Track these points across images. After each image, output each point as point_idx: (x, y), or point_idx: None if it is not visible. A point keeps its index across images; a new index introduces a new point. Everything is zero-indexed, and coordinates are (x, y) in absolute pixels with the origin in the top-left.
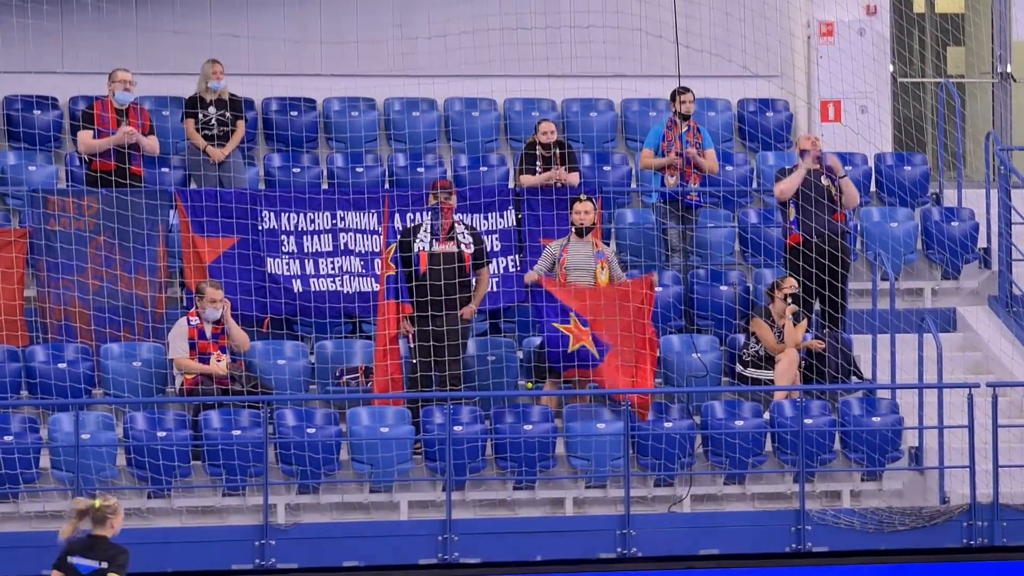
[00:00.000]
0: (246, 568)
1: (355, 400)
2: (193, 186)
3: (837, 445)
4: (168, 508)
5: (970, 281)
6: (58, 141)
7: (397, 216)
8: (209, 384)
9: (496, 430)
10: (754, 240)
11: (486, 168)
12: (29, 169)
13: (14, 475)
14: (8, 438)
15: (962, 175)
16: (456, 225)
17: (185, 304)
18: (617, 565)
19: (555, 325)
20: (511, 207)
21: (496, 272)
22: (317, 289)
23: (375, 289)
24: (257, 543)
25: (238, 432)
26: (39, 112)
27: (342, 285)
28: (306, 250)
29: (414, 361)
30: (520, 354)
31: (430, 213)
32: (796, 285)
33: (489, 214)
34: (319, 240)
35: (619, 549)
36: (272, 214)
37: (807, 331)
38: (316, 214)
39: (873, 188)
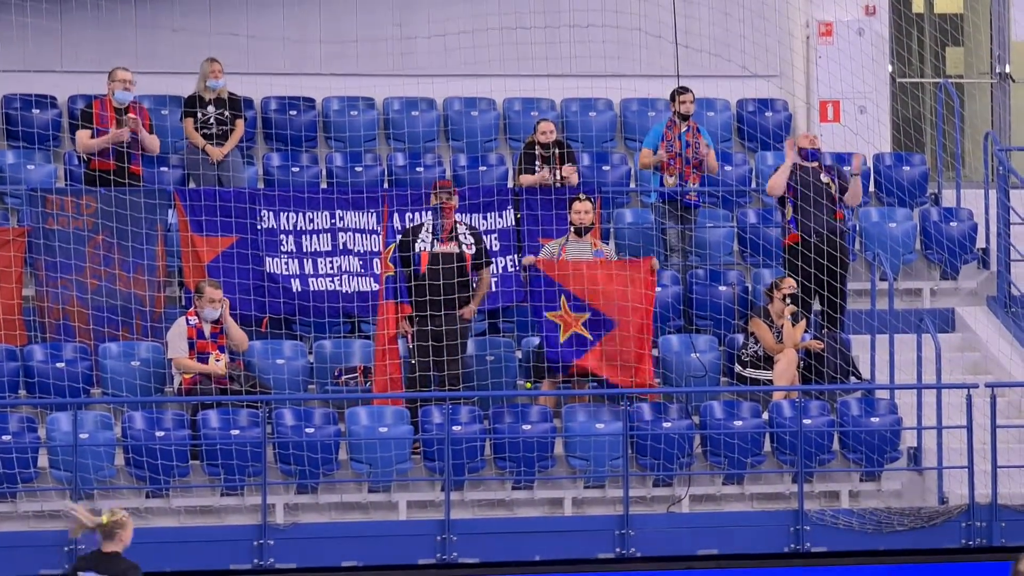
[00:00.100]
0: (245, 568)
1: (354, 400)
2: (192, 185)
3: (836, 445)
4: (166, 508)
5: (969, 281)
6: (57, 140)
7: (396, 216)
8: (208, 384)
9: (495, 430)
10: (753, 240)
11: (485, 168)
12: (28, 168)
13: (12, 475)
14: (6, 438)
15: (961, 175)
16: (458, 225)
17: (184, 304)
18: (616, 565)
19: (547, 315)
20: (510, 207)
21: (495, 272)
22: (316, 289)
23: (374, 289)
24: (256, 543)
25: (237, 432)
26: (38, 111)
27: (341, 285)
28: (305, 250)
29: (413, 361)
30: (519, 354)
31: (431, 213)
32: (795, 285)
33: (488, 214)
34: (318, 240)
35: (618, 549)
36: (271, 213)
37: (806, 331)
38: (315, 214)
39: (872, 188)
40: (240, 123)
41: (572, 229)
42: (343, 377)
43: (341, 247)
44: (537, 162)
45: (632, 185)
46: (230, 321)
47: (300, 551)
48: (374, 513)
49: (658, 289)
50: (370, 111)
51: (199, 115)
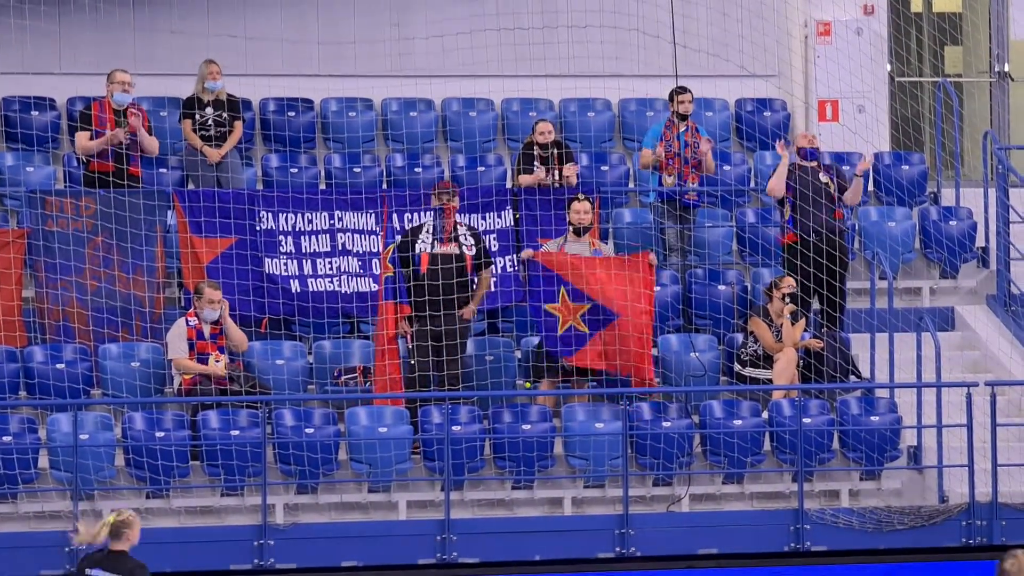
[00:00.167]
0: (245, 568)
1: (353, 400)
2: (191, 186)
3: (836, 444)
4: (167, 508)
5: (968, 280)
6: (56, 142)
7: (395, 216)
8: (207, 384)
9: (494, 430)
10: (752, 239)
11: (484, 168)
12: (27, 170)
13: (13, 475)
14: (7, 438)
15: (960, 174)
16: (458, 226)
17: (183, 304)
18: (616, 565)
19: (546, 308)
20: (509, 207)
21: (494, 272)
22: (315, 289)
23: (373, 289)
24: (256, 543)
25: (237, 432)
26: (37, 113)
27: (340, 285)
28: (304, 250)
29: (412, 361)
30: (518, 354)
31: (432, 214)
32: (794, 284)
33: (487, 214)
34: (317, 240)
35: (618, 549)
36: (270, 214)
37: (805, 330)
38: (314, 214)
39: (871, 187)
40: (238, 124)
41: (571, 229)
42: (343, 377)
43: (340, 248)
44: (535, 162)
45: (631, 185)
46: (229, 322)
47: (300, 551)
48: (374, 513)
49: (657, 288)
50: (368, 112)
51: (197, 116)
